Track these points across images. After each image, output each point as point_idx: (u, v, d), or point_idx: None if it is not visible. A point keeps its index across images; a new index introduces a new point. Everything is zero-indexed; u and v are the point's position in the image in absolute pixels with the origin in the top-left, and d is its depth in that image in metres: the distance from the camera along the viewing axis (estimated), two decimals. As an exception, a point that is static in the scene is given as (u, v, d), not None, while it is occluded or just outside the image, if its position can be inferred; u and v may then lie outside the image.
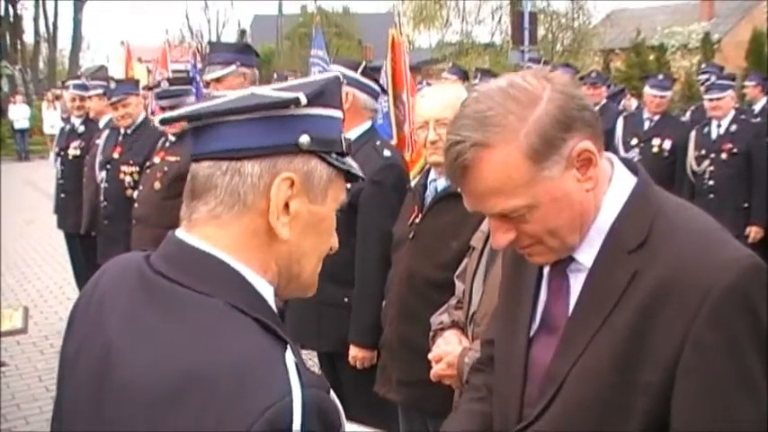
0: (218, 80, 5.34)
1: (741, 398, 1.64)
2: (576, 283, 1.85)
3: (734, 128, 8.48)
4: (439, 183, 3.78)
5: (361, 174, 1.60)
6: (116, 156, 7.18)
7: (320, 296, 4.41)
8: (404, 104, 8.69)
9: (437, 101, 3.67)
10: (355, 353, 4.31)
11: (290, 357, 1.32)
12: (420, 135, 3.79)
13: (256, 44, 42.72)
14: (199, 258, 1.45)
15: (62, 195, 8.89)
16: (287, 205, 1.46)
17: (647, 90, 9.07)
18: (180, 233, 1.50)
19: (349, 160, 1.58)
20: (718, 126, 8.45)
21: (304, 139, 1.46)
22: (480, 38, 31.99)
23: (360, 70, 4.67)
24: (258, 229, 1.46)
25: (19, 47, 46.83)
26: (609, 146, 9.21)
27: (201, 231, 1.47)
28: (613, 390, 1.70)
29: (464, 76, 11.99)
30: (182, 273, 1.43)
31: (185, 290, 1.41)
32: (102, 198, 7.35)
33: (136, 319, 1.43)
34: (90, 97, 8.52)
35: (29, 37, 49.07)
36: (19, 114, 29.65)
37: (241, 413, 1.23)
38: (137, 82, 8.10)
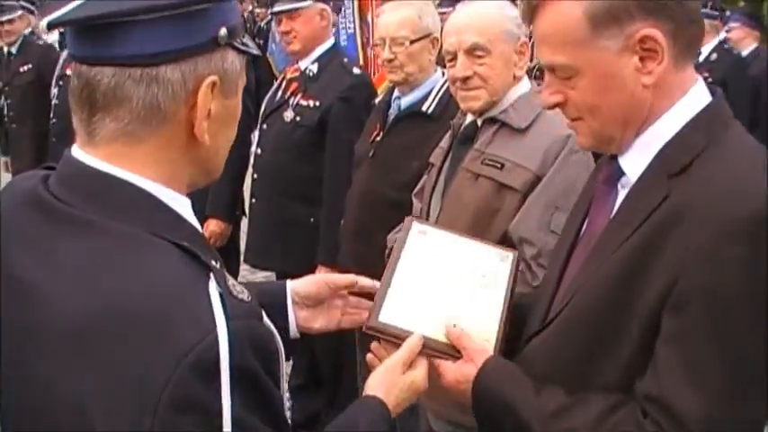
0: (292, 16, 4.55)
1: (751, 321, 1.51)
2: (622, 198, 1.79)
3: (714, 57, 8.53)
4: (402, 101, 3.71)
5: (256, 51, 1.45)
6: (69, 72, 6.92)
7: (286, 216, 4.35)
8: (368, 25, 8.56)
9: (393, 19, 3.61)
10: (324, 273, 4.17)
11: (213, 287, 1.22)
12: (380, 53, 3.72)
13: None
14: (106, 183, 1.30)
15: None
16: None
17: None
18: (79, 154, 1.33)
19: (247, 39, 1.42)
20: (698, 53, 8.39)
21: (223, 32, 1.32)
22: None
23: None
24: (175, 140, 1.32)
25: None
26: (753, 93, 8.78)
27: (107, 150, 1.31)
28: (610, 310, 1.63)
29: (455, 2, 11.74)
30: (87, 200, 1.29)
31: (94, 218, 1.27)
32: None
33: (44, 251, 1.27)
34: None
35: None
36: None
37: (166, 353, 1.14)
38: None
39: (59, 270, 1.24)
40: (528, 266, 2.57)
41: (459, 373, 1.81)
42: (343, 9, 9.43)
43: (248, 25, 14.36)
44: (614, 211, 1.77)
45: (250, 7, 15.50)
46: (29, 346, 1.24)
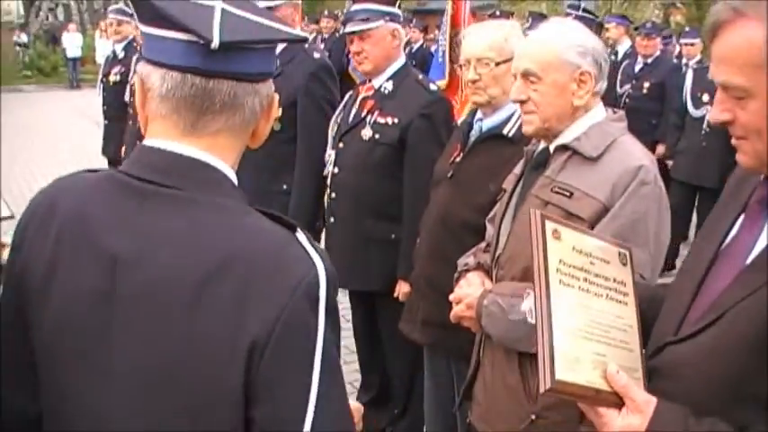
0: (270, 8, 5.17)
1: None
2: None
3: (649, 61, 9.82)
4: (484, 123, 3.68)
5: None
6: None
7: (368, 233, 4.44)
8: (459, 46, 8.55)
9: (480, 39, 3.57)
10: (405, 288, 4.27)
11: (303, 238, 1.54)
12: (464, 74, 3.69)
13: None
14: (203, 168, 1.58)
15: (105, 122, 8.97)
16: None
17: None
18: (172, 145, 1.58)
19: None
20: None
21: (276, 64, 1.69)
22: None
23: (397, 4, 4.67)
24: (247, 137, 1.66)
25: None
26: (668, 101, 9.09)
27: (209, 142, 1.59)
28: (762, 340, 1.68)
29: (509, 17, 11.80)
30: (187, 182, 1.56)
31: (196, 196, 1.54)
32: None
33: (143, 227, 1.52)
34: (129, 21, 8.50)
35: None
36: (72, 43, 29.80)
37: (282, 285, 1.46)
38: None
39: (175, 237, 1.51)
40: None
41: (626, 424, 1.79)
42: (441, 26, 9.51)
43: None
44: (765, 236, 1.81)
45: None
46: (133, 309, 1.50)
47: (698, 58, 10.00)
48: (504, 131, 3.56)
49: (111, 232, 1.54)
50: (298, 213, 4.65)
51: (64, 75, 30.77)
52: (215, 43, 1.48)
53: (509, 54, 3.37)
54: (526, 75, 2.78)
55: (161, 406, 1.49)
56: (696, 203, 8.51)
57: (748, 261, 1.82)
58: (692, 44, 10.27)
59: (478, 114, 3.72)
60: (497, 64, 3.48)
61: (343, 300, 4.93)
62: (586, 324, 1.89)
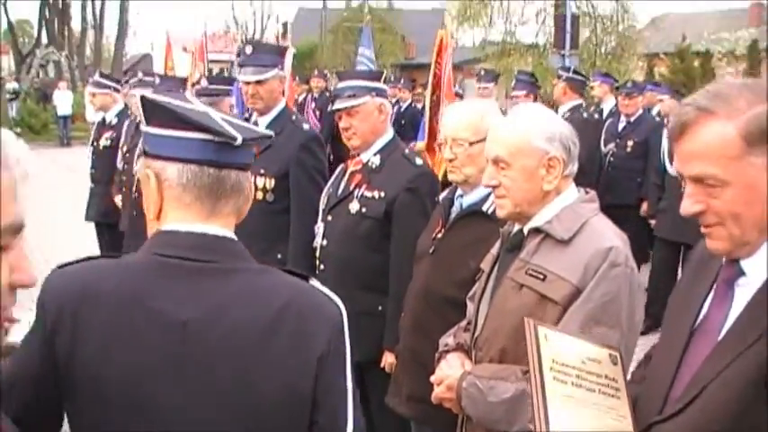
0: (259, 83, 5.30)
1: None
2: (741, 297, 1.96)
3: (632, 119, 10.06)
4: (464, 199, 3.77)
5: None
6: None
7: (354, 305, 4.54)
8: (437, 107, 8.74)
9: (455, 119, 3.69)
10: (391, 359, 4.33)
11: (316, 283, 2.02)
12: (443, 151, 3.81)
13: (299, 37, 42.93)
14: (227, 242, 1.94)
15: (91, 185, 9.17)
16: None
17: None
18: (198, 227, 1.91)
19: None
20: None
21: None
22: (524, 38, 31.73)
23: (383, 79, 4.86)
24: (241, 214, 2.01)
25: (66, 33, 47.24)
26: (651, 159, 9.22)
27: (224, 221, 1.94)
28: (750, 403, 1.80)
29: (495, 78, 11.97)
30: (220, 255, 1.91)
31: (234, 265, 1.92)
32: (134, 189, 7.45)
33: (202, 296, 1.87)
34: (107, 93, 9.00)
35: (76, 24, 49.45)
36: (63, 101, 29.96)
37: (324, 323, 1.94)
38: (182, 79, 8.20)
39: (233, 299, 1.88)
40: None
41: None
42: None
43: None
44: (736, 310, 1.95)
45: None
46: (231, 345, 1.87)
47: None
48: (484, 208, 3.64)
49: (175, 304, 1.85)
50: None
51: (54, 132, 30.87)
52: (239, 141, 1.86)
53: (484, 134, 3.46)
54: (496, 161, 2.88)
55: (236, 415, 1.87)
56: (681, 260, 8.60)
57: (720, 336, 1.94)
58: (660, 99, 10.50)
59: (459, 191, 3.81)
60: (471, 144, 3.58)
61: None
62: (581, 414, 2.07)
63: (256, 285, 1.93)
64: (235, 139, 1.86)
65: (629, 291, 2.72)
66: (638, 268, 8.84)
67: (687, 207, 1.97)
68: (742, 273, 1.97)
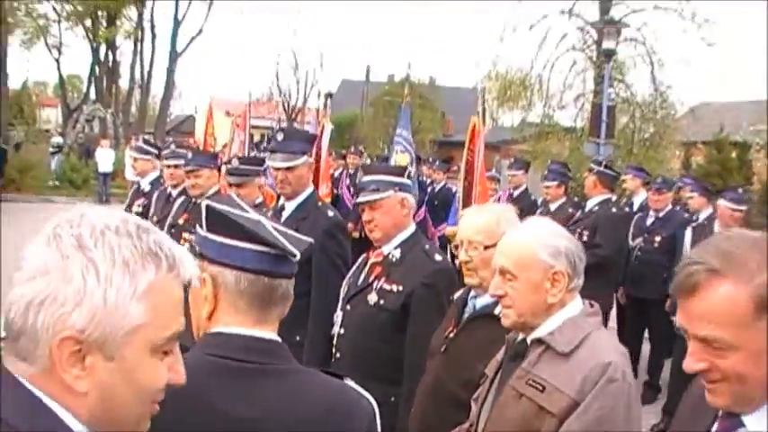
0: (289, 169, 5.48)
1: None
2: None
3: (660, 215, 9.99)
4: (477, 301, 3.85)
5: None
6: (181, 222, 7.39)
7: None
8: (470, 192, 8.87)
9: (472, 224, 3.79)
10: None
11: (350, 382, 2.17)
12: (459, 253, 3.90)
13: (341, 108, 43.39)
14: (278, 346, 2.11)
15: None
16: None
17: (723, 203, 8.96)
18: (252, 331, 2.06)
19: None
20: None
21: None
22: (563, 121, 31.87)
23: (406, 175, 4.97)
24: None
25: (114, 91, 48.23)
26: (665, 254, 9.27)
27: (273, 326, 2.11)
28: None
29: (526, 167, 12.11)
30: (274, 357, 2.07)
31: (287, 366, 2.09)
32: None
33: (257, 395, 2.00)
34: (148, 159, 9.11)
35: (124, 82, 50.53)
36: (104, 158, 30.41)
37: (364, 419, 2.11)
38: (214, 156, 8.38)
39: (284, 399, 2.03)
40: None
41: None
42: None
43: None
44: None
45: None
46: None
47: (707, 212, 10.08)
48: (496, 311, 3.68)
49: (232, 403, 1.97)
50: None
51: (94, 188, 31.31)
52: (297, 257, 2.07)
53: (499, 238, 3.55)
54: (503, 272, 2.99)
55: None
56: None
57: None
58: (690, 197, 10.42)
59: (473, 291, 3.90)
60: (486, 248, 3.67)
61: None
62: None
63: (304, 386, 2.09)
64: (294, 255, 2.06)
65: (625, 406, 2.78)
66: (662, 363, 8.79)
67: (691, 365, 1.95)
68: (741, 425, 1.97)
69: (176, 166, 8.04)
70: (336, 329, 4.73)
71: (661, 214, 10.06)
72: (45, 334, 1.42)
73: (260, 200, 6.54)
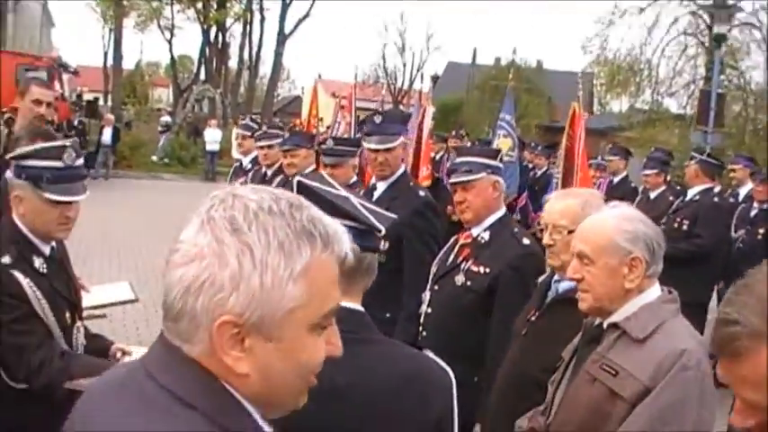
0: (387, 150, 5.57)
1: None
2: None
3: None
4: (561, 284, 3.85)
5: None
6: None
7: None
8: (570, 179, 8.79)
9: (556, 208, 3.78)
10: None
11: (430, 353, 2.44)
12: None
13: (447, 91, 43.29)
14: (362, 315, 2.30)
15: None
16: None
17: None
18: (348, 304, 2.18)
19: None
20: None
21: None
22: (672, 108, 31.20)
23: (499, 158, 4.96)
24: None
25: (223, 72, 49.10)
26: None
27: (356, 297, 2.27)
28: None
29: (624, 153, 11.91)
30: (356, 325, 2.23)
31: (361, 336, 2.22)
32: None
33: (349, 364, 1.96)
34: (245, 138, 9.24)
35: (233, 63, 51.40)
36: (212, 138, 31.08)
37: (443, 386, 2.27)
38: (311, 136, 8.48)
39: (373, 366, 2.19)
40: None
41: None
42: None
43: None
44: None
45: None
46: (359, 420, 2.18)
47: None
48: (577, 295, 3.71)
49: (323, 371, 2.01)
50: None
51: (201, 166, 32.06)
52: (383, 232, 2.20)
53: (584, 222, 3.58)
54: (580, 256, 3.00)
55: None
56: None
57: None
58: None
59: (556, 275, 3.90)
60: (569, 232, 3.63)
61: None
62: None
63: (387, 355, 2.25)
64: (379, 230, 2.19)
65: (698, 395, 2.76)
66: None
67: (738, 422, 1.77)
68: None
69: (269, 147, 8.17)
70: (424, 308, 4.79)
71: (765, 206, 9.81)
72: (205, 317, 1.43)
73: (354, 180, 6.60)
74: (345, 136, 11.97)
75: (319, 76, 51.60)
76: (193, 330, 1.45)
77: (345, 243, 1.58)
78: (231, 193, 1.51)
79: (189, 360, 1.47)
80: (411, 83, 52.85)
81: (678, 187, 10.71)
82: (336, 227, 1.57)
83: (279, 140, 7.95)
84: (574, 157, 8.95)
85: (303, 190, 2.15)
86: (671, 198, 9.83)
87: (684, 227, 8.55)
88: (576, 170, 8.86)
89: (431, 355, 2.34)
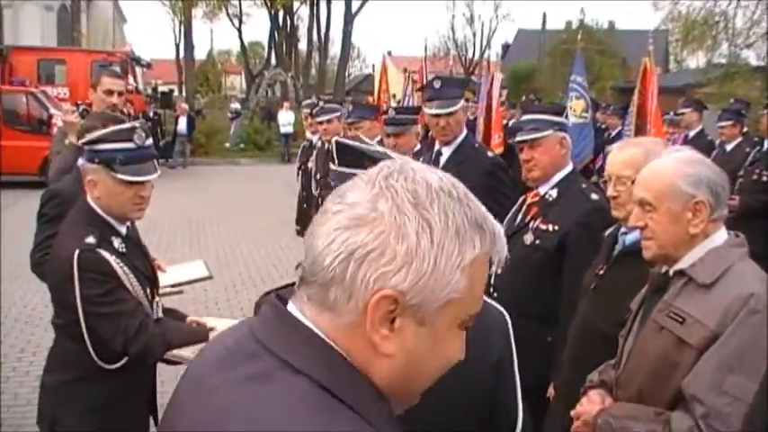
0: (449, 115, 5.53)
1: None
2: None
3: None
4: (628, 237, 3.76)
5: None
6: None
7: (523, 333, 4.73)
8: (643, 132, 8.64)
9: (620, 158, 3.69)
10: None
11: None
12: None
13: (518, 58, 42.92)
14: None
15: (303, 206, 9.53)
16: None
17: None
18: None
19: None
20: None
21: None
22: (752, 60, 30.33)
23: (564, 114, 4.89)
24: None
25: (293, 55, 49.40)
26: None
27: None
28: None
29: (697, 106, 11.65)
30: None
31: None
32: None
33: None
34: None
35: (302, 46, 51.67)
36: (285, 120, 31.41)
37: (499, 332, 2.34)
38: (374, 107, 8.48)
39: None
40: (697, 426, 2.62)
41: None
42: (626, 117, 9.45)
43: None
44: None
45: None
46: None
47: None
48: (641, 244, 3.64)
49: None
50: None
51: (277, 149, 32.41)
52: None
53: (647, 172, 3.49)
54: (642, 203, 2.93)
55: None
56: None
57: None
58: None
59: (623, 228, 3.82)
60: (633, 182, 3.56)
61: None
62: None
63: None
64: None
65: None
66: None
67: None
68: None
69: (328, 122, 8.20)
70: (494, 269, 4.73)
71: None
72: (362, 288, 1.33)
73: (418, 147, 6.58)
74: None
75: (389, 53, 51.40)
76: (344, 299, 1.35)
77: (505, 247, 1.47)
78: (410, 167, 1.41)
79: (312, 333, 1.38)
80: (482, 53, 52.37)
81: (755, 138, 10.44)
82: (501, 229, 1.47)
83: (337, 114, 8.00)
84: (647, 114, 8.80)
85: (341, 148, 2.12)
86: (747, 150, 9.58)
87: (764, 178, 8.32)
88: (649, 127, 8.71)
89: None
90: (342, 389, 1.33)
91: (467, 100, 15.69)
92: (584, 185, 4.77)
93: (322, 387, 1.32)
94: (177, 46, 57.24)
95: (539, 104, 7.81)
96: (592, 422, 2.95)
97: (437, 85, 5.61)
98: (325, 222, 1.37)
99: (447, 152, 5.57)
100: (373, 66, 55.05)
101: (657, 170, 2.93)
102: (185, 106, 30.73)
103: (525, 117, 4.90)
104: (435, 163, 5.57)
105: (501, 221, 4.27)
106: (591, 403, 3.07)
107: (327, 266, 1.35)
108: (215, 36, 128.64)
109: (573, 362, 3.85)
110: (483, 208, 1.45)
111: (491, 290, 4.74)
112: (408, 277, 1.32)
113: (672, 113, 13.04)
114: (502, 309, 2.30)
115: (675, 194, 2.85)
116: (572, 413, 3.13)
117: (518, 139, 4.78)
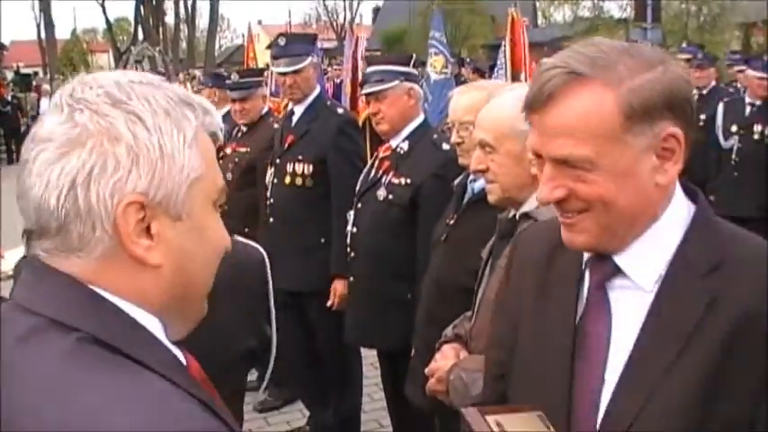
0: (296, 72, 5.31)
1: None
2: (621, 302, 1.68)
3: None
4: (476, 185, 3.62)
5: None
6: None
7: (384, 293, 4.57)
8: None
9: (462, 103, 3.56)
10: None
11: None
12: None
13: (390, 21, 42.79)
14: None
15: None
16: None
17: (750, 73, 8.49)
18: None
19: None
20: None
21: None
22: (614, 12, 31.02)
23: (411, 63, 4.73)
24: None
25: (161, 29, 48.30)
26: (709, 133, 8.84)
27: None
28: (693, 428, 1.54)
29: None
30: None
31: None
32: None
33: None
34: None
35: (169, 19, 50.57)
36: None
37: (255, 263, 2.54)
38: (260, 72, 7.90)
39: None
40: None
41: None
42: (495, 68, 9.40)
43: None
44: (618, 318, 1.67)
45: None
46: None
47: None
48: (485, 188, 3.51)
49: None
50: (338, 267, 4.84)
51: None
52: None
53: (491, 116, 3.36)
54: (482, 145, 2.77)
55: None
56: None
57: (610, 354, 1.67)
58: (740, 71, 9.96)
59: (471, 176, 3.66)
60: None
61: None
62: None
63: None
64: None
65: None
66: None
67: (548, 195, 1.66)
68: (618, 270, 1.69)
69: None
70: (349, 228, 4.59)
71: (704, 92, 9.56)
72: (102, 209, 1.22)
73: (266, 110, 6.36)
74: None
75: (259, 22, 50.83)
76: (89, 232, 1.23)
77: (217, 118, 1.39)
78: (90, 77, 1.30)
79: (70, 280, 1.25)
80: (353, 18, 52.19)
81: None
82: (208, 102, 1.40)
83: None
84: (520, 64, 8.80)
85: None
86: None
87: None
88: (524, 76, 8.69)
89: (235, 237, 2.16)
90: (115, 337, 1.22)
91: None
92: (435, 136, 4.65)
93: (95, 340, 1.20)
94: (38, 26, 55.41)
95: (383, 55, 7.65)
96: (444, 378, 2.79)
97: (282, 42, 5.41)
98: (29, 173, 1.24)
99: (299, 111, 5.37)
100: (243, 35, 54.53)
101: (496, 110, 2.78)
102: (47, 88, 29.67)
103: (370, 69, 4.77)
104: (288, 121, 5.44)
105: (355, 180, 4.14)
106: (444, 358, 2.92)
107: (55, 208, 1.23)
108: (78, 14, 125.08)
109: (427, 317, 3.70)
110: (182, 89, 1.36)
111: (348, 250, 4.58)
112: (142, 174, 1.24)
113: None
114: (259, 247, 2.43)
115: (515, 134, 2.68)
116: (426, 370, 2.96)
117: (364, 91, 4.64)
